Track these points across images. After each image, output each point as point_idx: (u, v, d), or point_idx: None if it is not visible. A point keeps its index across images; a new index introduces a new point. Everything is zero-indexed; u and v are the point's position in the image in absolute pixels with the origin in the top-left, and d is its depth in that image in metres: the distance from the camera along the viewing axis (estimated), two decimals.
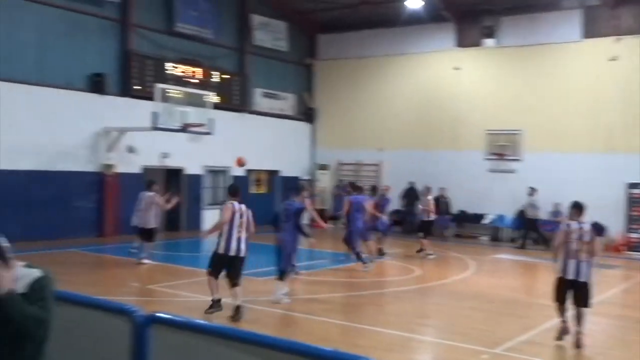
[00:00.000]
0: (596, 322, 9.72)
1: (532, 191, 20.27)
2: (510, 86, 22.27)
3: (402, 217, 23.74)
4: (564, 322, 8.77)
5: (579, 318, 8.61)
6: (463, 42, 23.23)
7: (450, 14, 22.88)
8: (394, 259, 17.05)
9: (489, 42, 22.66)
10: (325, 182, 25.76)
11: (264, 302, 11.08)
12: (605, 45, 20.45)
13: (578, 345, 8.54)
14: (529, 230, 20.39)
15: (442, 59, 23.55)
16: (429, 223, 17.61)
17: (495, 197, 22.09)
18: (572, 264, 8.57)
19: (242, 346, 3.79)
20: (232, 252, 9.41)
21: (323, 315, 10.10)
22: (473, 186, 22.49)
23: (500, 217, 22.16)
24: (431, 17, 22.91)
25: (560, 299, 8.74)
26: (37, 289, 3.47)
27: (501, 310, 10.87)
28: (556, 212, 20.31)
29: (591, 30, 20.83)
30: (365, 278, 14.01)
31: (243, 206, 9.71)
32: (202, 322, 4.21)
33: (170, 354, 4.15)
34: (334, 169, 25.80)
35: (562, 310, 8.79)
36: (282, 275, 10.84)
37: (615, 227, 19.98)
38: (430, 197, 17.78)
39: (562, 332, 8.76)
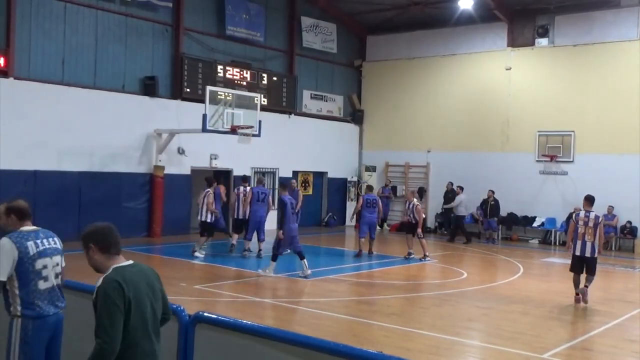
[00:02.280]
0: None
1: (460, 189, 21.32)
2: (562, 86, 21.81)
3: (444, 219, 23.55)
4: (578, 294, 11.19)
5: (587, 282, 11.22)
6: (515, 41, 22.88)
7: (502, 13, 22.55)
8: (440, 261, 16.93)
9: (542, 41, 22.30)
10: (372, 183, 25.68)
11: (309, 303, 11.17)
12: None
13: (585, 301, 11.14)
14: (455, 228, 21.42)
15: (494, 59, 23.24)
16: (416, 224, 17.10)
17: (546, 200, 21.71)
18: (579, 244, 11.17)
19: (285, 346, 3.86)
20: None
21: (369, 318, 10.12)
22: (523, 188, 22.15)
23: (551, 220, 21.75)
24: (483, 17, 22.69)
25: (575, 270, 11.31)
26: (96, 298, 3.76)
27: (549, 315, 10.68)
28: (611, 216, 19.86)
29: None
30: (411, 280, 13.98)
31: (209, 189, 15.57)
32: (245, 322, 4.30)
33: (215, 352, 4.26)
34: (381, 170, 25.74)
35: (577, 281, 11.28)
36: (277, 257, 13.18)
37: None
38: (415, 200, 17.22)
39: (577, 301, 11.16)
